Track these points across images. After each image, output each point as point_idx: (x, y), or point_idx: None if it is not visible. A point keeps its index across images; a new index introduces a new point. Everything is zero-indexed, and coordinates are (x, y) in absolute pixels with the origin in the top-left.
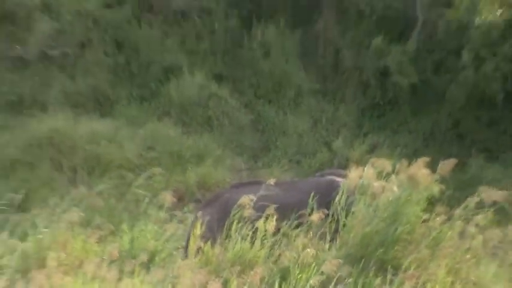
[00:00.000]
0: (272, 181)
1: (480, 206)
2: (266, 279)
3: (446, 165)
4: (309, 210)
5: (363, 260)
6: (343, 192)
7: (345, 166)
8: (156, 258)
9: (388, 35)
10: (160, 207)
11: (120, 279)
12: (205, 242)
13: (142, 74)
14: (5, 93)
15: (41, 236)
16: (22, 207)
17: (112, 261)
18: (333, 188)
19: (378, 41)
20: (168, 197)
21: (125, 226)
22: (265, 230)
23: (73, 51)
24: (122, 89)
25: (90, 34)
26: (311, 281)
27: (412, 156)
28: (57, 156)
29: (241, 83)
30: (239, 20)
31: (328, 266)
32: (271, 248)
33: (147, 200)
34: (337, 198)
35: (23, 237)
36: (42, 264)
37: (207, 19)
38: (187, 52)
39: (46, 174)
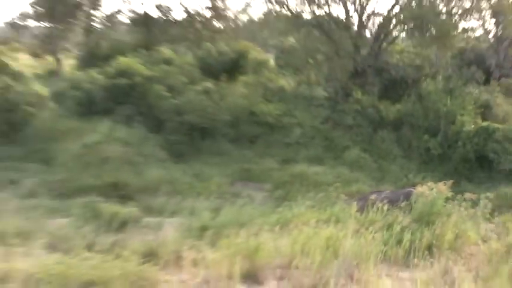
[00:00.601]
0: (387, 190)
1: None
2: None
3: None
4: (400, 200)
5: (420, 220)
6: (414, 194)
7: (413, 185)
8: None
9: None
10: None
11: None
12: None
13: None
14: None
15: (294, 211)
16: (288, 199)
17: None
18: (411, 192)
19: None
20: (343, 196)
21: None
22: (382, 208)
23: None
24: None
25: None
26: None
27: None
28: (299, 181)
29: None
30: None
31: (405, 221)
32: (385, 214)
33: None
34: (412, 197)
35: (289, 211)
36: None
37: None
38: None
39: (297, 188)
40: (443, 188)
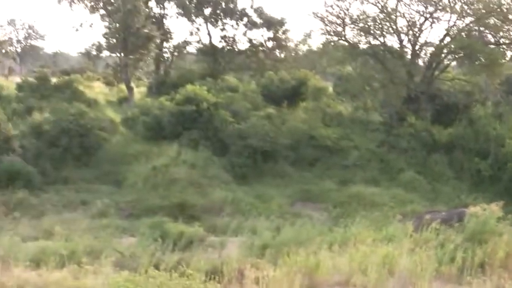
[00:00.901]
0: (441, 210)
1: None
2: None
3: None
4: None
5: (473, 239)
6: (467, 214)
7: (466, 206)
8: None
9: None
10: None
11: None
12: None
13: None
14: None
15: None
16: (345, 219)
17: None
18: (463, 212)
19: None
20: (398, 216)
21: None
22: (436, 227)
23: None
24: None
25: None
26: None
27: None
28: (356, 201)
29: None
30: None
31: (458, 240)
32: (439, 234)
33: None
34: (465, 217)
35: (347, 230)
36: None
37: None
38: None
39: (354, 208)
40: (495, 208)
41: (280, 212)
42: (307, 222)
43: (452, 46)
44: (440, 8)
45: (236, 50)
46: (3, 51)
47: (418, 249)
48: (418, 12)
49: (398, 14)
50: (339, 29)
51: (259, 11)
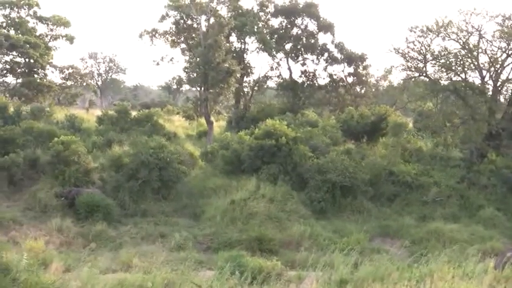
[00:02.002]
0: None
1: None
2: None
3: None
4: None
5: None
6: None
7: None
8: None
9: None
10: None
11: None
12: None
13: None
14: None
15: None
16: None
17: None
18: None
19: None
20: (478, 253)
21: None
22: None
23: None
24: None
25: None
26: None
27: None
28: (435, 238)
29: None
30: None
31: None
32: None
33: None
34: None
35: (425, 267)
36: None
37: None
38: None
39: (433, 244)
40: None
41: (358, 247)
42: (385, 257)
43: None
44: None
45: (316, 85)
46: (84, 84)
47: (498, 287)
48: (500, 48)
49: (480, 50)
50: (420, 65)
51: (340, 46)
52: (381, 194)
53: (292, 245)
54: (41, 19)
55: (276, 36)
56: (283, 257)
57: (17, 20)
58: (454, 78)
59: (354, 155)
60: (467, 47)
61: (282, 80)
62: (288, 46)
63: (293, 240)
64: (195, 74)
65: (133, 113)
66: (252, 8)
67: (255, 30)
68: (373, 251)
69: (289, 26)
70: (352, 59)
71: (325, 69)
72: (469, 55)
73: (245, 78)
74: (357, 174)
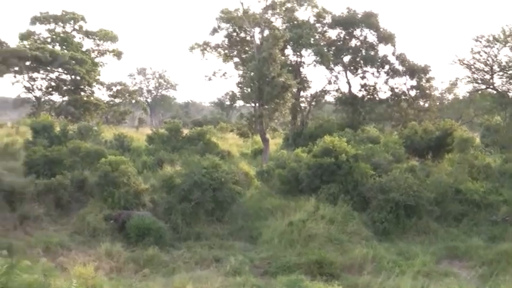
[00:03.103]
0: None
1: None
2: None
3: None
4: None
5: None
6: None
7: None
8: None
9: None
10: None
11: None
12: None
13: None
14: None
15: None
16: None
17: None
18: None
19: None
20: None
21: None
22: None
23: None
24: None
25: None
26: None
27: None
28: (505, 259)
29: None
30: None
31: None
32: None
33: None
34: None
35: None
36: None
37: None
38: None
39: (503, 266)
40: None
41: (424, 270)
42: (454, 281)
43: None
44: None
45: (377, 99)
46: (133, 101)
47: None
48: None
49: None
50: (487, 76)
51: (401, 58)
52: (448, 214)
53: (354, 268)
54: (87, 34)
55: (333, 48)
56: (345, 282)
57: (62, 35)
58: None
59: (418, 172)
60: None
61: (340, 94)
62: (346, 58)
63: (355, 263)
64: (249, 89)
65: (185, 131)
66: (308, 19)
67: (312, 42)
68: (440, 274)
69: (347, 37)
70: (415, 71)
71: (386, 82)
72: None
73: (302, 93)
74: (422, 193)
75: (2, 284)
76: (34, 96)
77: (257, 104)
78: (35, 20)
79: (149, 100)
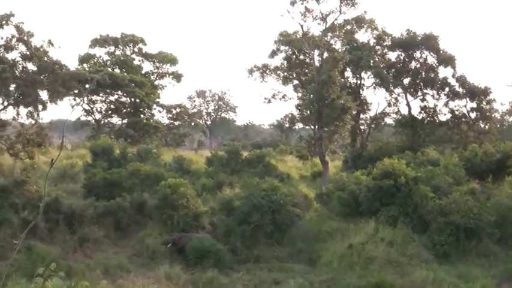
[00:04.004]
0: None
1: None
2: None
3: None
4: None
5: None
6: None
7: None
8: None
9: None
10: None
11: None
12: None
13: None
14: None
15: None
16: None
17: None
18: None
19: None
20: None
21: None
22: None
23: None
24: None
25: None
26: None
27: None
28: None
29: None
30: None
31: None
32: None
33: None
34: None
35: None
36: None
37: None
38: None
39: None
40: None
41: None
42: None
43: None
44: None
45: (437, 121)
46: (193, 123)
47: None
48: None
49: None
50: None
51: (461, 80)
52: (508, 236)
53: None
54: (146, 56)
55: (393, 70)
56: None
57: (121, 58)
58: None
59: (478, 195)
60: None
61: (400, 117)
62: (406, 81)
63: (415, 286)
64: (308, 112)
65: (244, 154)
66: (368, 41)
67: (371, 64)
68: None
69: (407, 59)
70: (475, 94)
71: (446, 104)
72: None
73: (361, 115)
74: (482, 216)
75: None
76: (94, 119)
77: (316, 126)
78: (94, 43)
79: (208, 122)
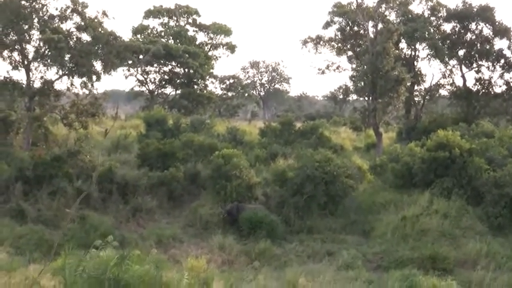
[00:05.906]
0: None
1: None
2: None
3: None
4: None
5: None
6: None
7: None
8: None
9: None
10: None
11: None
12: None
13: None
14: None
15: None
16: None
17: None
18: None
19: None
20: None
21: None
22: None
23: None
24: None
25: None
26: None
27: None
28: None
29: None
30: None
31: None
32: None
33: None
34: None
35: None
36: None
37: None
38: None
39: None
40: None
41: None
42: None
43: None
44: None
45: (492, 93)
46: (246, 94)
47: None
48: None
49: None
50: None
51: None
52: None
53: (468, 263)
54: (200, 27)
55: (448, 42)
56: (459, 277)
57: (175, 28)
58: None
59: None
60: None
61: (455, 89)
62: (461, 52)
63: (469, 258)
64: (362, 83)
65: (298, 125)
66: (423, 13)
67: (426, 35)
68: None
69: (462, 31)
70: None
71: (501, 76)
72: None
73: (416, 87)
74: None
75: (114, 274)
76: (147, 90)
77: (370, 98)
78: (148, 14)
79: (262, 93)
